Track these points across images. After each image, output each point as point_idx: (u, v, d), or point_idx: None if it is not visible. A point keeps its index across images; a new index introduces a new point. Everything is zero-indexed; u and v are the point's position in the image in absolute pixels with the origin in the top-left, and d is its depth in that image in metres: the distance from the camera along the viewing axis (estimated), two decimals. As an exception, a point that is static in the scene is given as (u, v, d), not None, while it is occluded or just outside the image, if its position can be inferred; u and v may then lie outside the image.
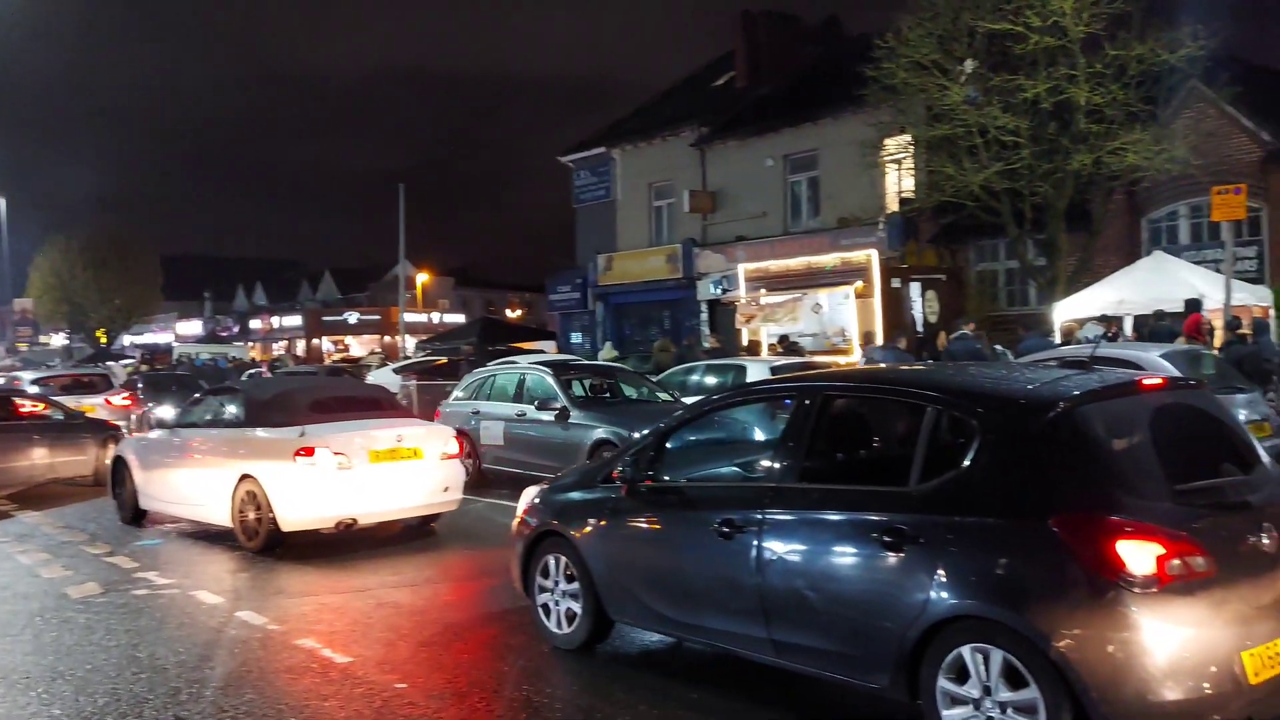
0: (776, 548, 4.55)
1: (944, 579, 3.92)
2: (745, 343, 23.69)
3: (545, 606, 5.87)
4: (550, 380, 12.07)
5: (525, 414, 12.08)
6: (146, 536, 10.00)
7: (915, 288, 21.25)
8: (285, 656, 5.88)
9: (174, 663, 5.80)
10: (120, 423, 16.91)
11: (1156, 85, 16.47)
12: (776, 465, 4.87)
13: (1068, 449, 3.92)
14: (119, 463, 10.95)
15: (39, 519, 11.33)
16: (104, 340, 56.19)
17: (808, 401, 4.86)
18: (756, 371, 13.36)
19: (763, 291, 24.37)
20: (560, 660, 5.65)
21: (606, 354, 26.52)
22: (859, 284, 21.90)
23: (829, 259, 22.78)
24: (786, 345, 19.54)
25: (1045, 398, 4.16)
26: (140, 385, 21.85)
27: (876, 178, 21.49)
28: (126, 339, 60.66)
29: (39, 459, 13.05)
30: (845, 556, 4.35)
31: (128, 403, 20.70)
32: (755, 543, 4.61)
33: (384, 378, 21.76)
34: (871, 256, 21.85)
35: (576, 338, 32.19)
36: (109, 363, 35.31)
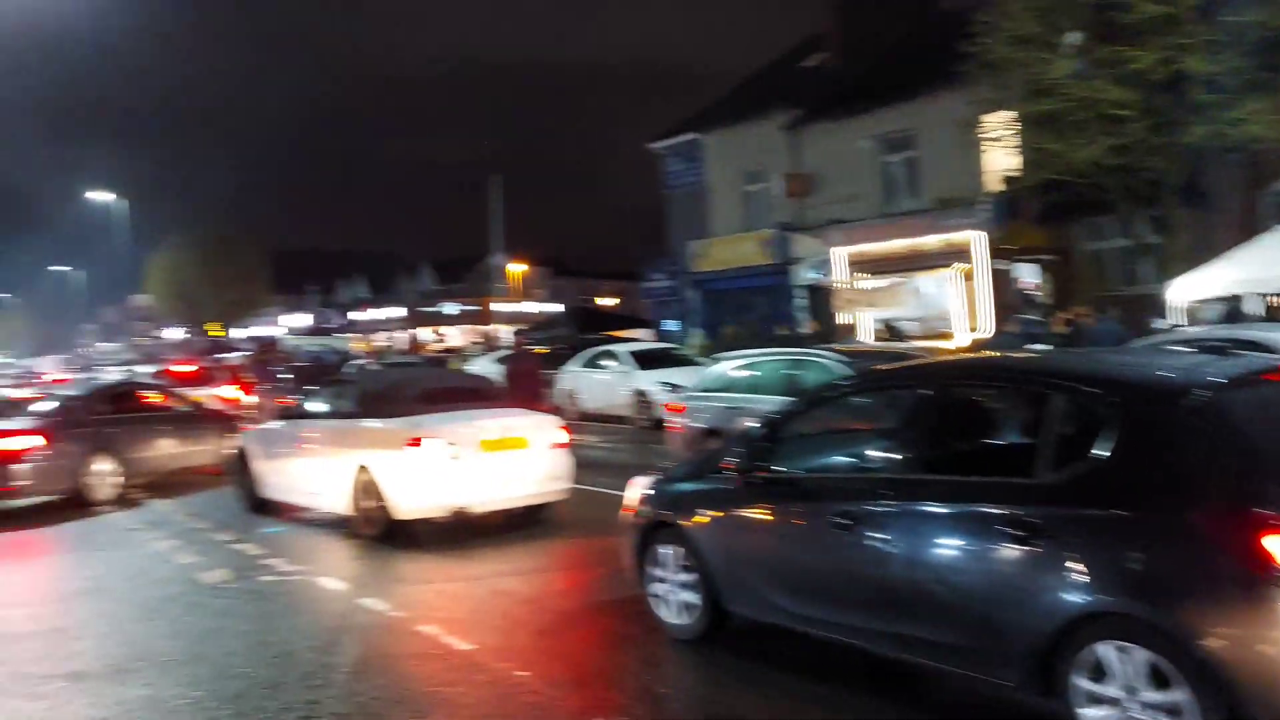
0: (897, 540, 4.49)
1: (1078, 574, 3.82)
2: (843, 327, 23.41)
3: (660, 597, 5.91)
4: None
5: None
6: (270, 524, 10.38)
7: (1023, 268, 20.68)
8: (409, 643, 6.05)
9: (304, 647, 6.02)
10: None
11: (1278, 52, 15.65)
12: (895, 456, 4.81)
13: (1211, 438, 3.77)
14: (241, 453, 11.41)
15: (169, 507, 11.88)
16: (220, 334, 58.43)
17: (927, 390, 4.78)
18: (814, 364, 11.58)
19: (862, 275, 24.02)
20: (677, 651, 5.69)
21: (696, 341, 26.56)
22: (963, 266, 21.42)
23: (930, 240, 22.32)
24: (890, 330, 19.23)
25: (1186, 384, 4.00)
26: (283, 376, 22.57)
27: (976, 157, 20.92)
28: (238, 332, 62.94)
29: (166, 449, 13.63)
30: (970, 550, 4.28)
31: (238, 394, 21.59)
32: (875, 535, 4.56)
33: (485, 367, 22.17)
34: (974, 237, 21.34)
35: (671, 325, 32.23)
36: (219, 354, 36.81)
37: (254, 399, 21.67)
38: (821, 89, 27.64)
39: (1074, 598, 3.83)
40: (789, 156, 27.22)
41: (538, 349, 26.38)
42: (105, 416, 12.97)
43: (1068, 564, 3.86)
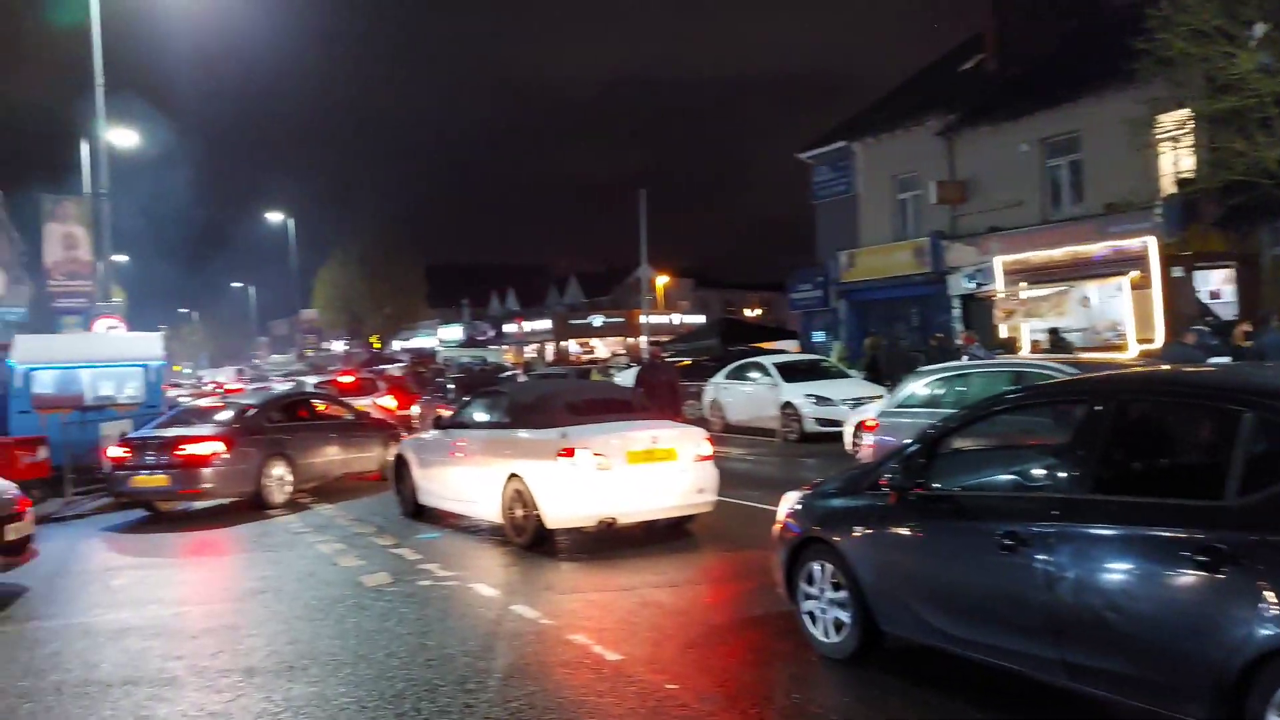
0: (1068, 564, 4.24)
1: (1274, 605, 3.51)
2: (1003, 339, 22.51)
3: (811, 614, 5.79)
4: None
5: None
6: (426, 530, 10.72)
7: (1203, 277, 19.40)
8: (560, 651, 6.12)
9: (459, 651, 6.17)
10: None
11: None
12: (1064, 474, 4.55)
13: None
14: (400, 461, 11.86)
15: (333, 512, 12.44)
16: (377, 346, 61.16)
17: (1100, 406, 4.51)
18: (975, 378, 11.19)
19: (1023, 284, 23.08)
20: (829, 669, 5.55)
21: (836, 353, 26.07)
22: (1134, 274, 20.27)
23: (1097, 247, 21.21)
24: (1055, 340, 18.36)
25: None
26: (450, 387, 23.60)
27: (1149, 158, 19.74)
28: (395, 344, 65.71)
29: (336, 455, 14.38)
30: (1149, 575, 3.99)
31: (394, 404, 22.68)
32: (1043, 557, 4.32)
33: (629, 379, 22.36)
34: (1148, 243, 20.17)
35: (819, 336, 31.77)
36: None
37: (415, 408, 22.65)
38: (979, 92, 26.76)
39: (1267, 630, 3.51)
40: (944, 162, 26.44)
41: (681, 361, 26.44)
42: (279, 424, 13.74)
43: (1261, 594, 3.55)
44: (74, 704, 5.61)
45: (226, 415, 13.56)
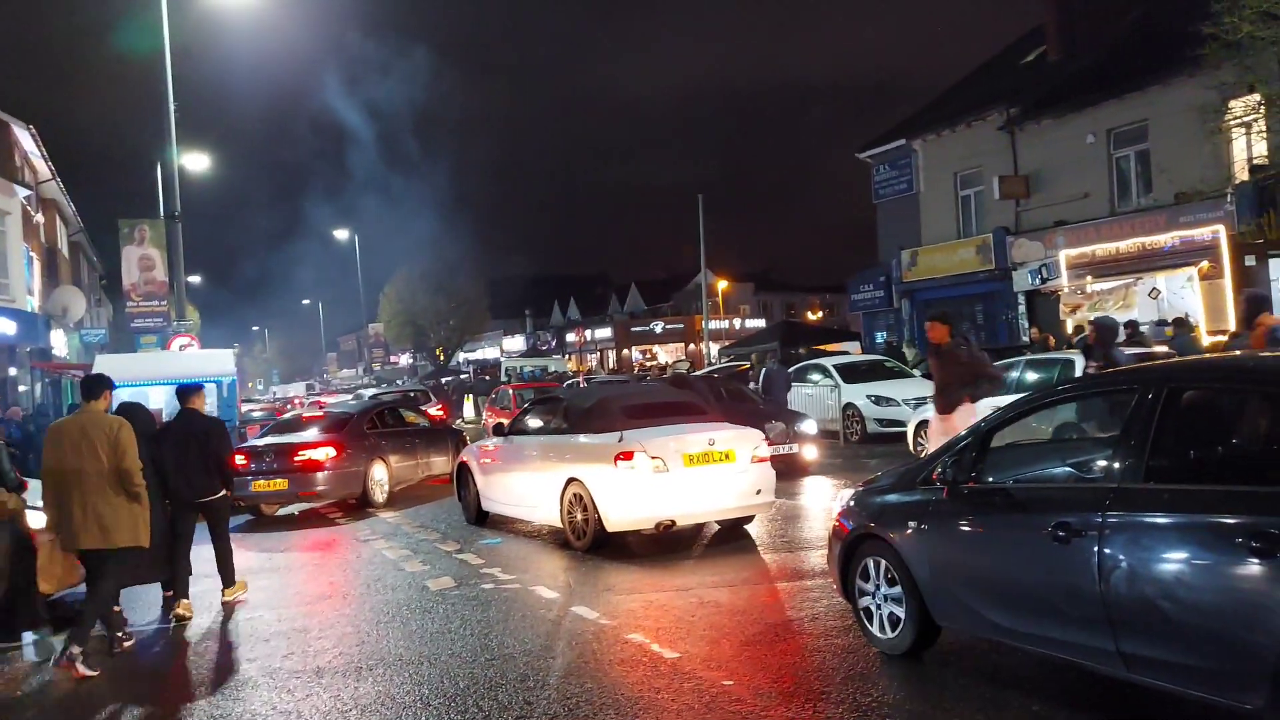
0: (1122, 553, 4.19)
1: (1334, 591, 3.44)
2: (1070, 333, 22.07)
3: (867, 610, 5.78)
4: None
5: None
6: (488, 536, 10.90)
7: (1278, 265, 18.82)
8: (618, 650, 6.19)
9: (520, 651, 6.28)
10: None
11: None
12: (1117, 465, 4.49)
13: None
14: (463, 468, 12.08)
15: (398, 518, 12.71)
16: (442, 358, 62.03)
17: (1151, 395, 4.45)
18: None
19: (1089, 278, 22.61)
20: (886, 664, 5.54)
21: (911, 357, 25.60)
22: (1204, 264, 19.73)
23: (1166, 238, 20.71)
24: (1132, 334, 17.93)
25: None
26: (493, 399, 25.22)
27: (1219, 145, 19.24)
28: (460, 355, 66.65)
29: (420, 459, 15.25)
30: (1205, 563, 3.93)
31: (442, 413, 24.18)
32: (1097, 548, 4.28)
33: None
34: (1219, 233, 19.63)
35: (881, 337, 31.48)
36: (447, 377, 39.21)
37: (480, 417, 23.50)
38: (1041, 85, 26.32)
39: (1329, 618, 3.44)
40: (1007, 157, 26.05)
41: (741, 365, 26.40)
42: (376, 430, 14.61)
43: (1321, 580, 3.48)
44: (151, 704, 5.85)
45: (328, 423, 14.48)
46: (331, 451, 13.23)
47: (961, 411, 8.55)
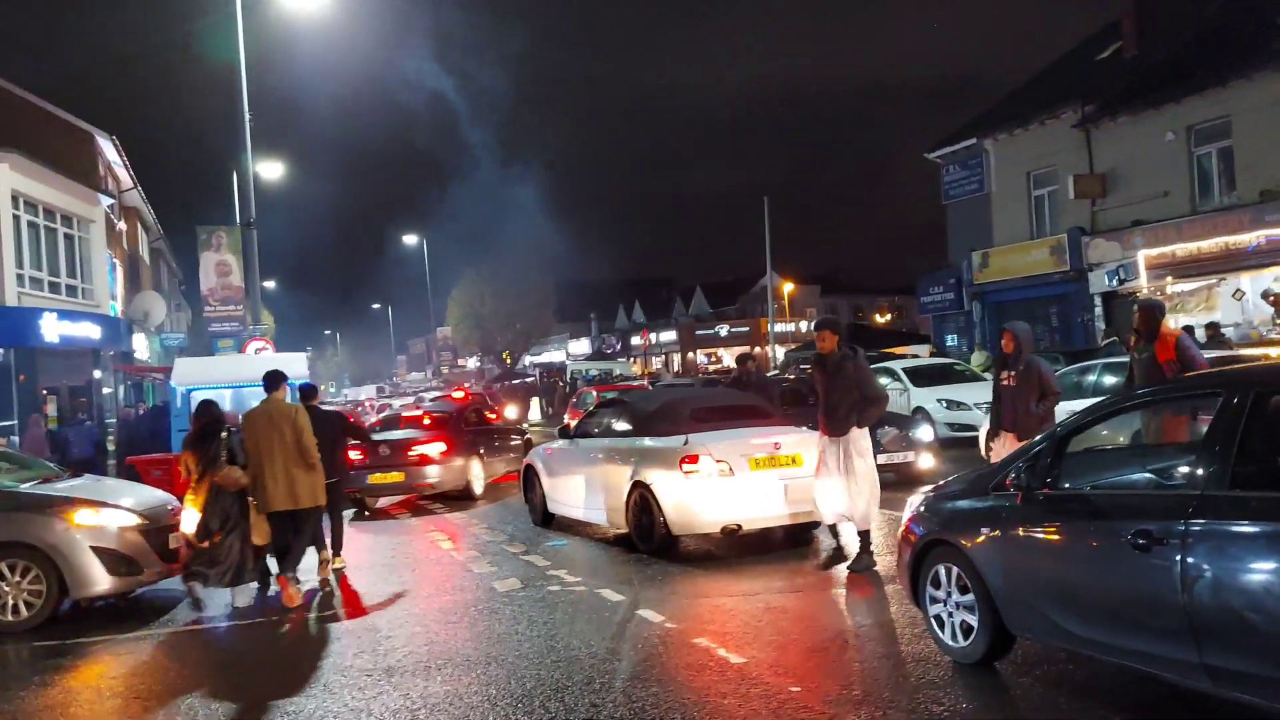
0: (1206, 562, 4.05)
1: None
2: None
3: (938, 618, 5.67)
4: None
5: None
6: (555, 538, 10.96)
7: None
8: (684, 654, 6.17)
9: (586, 654, 6.29)
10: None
11: None
12: (1199, 471, 4.34)
13: None
14: (529, 470, 12.17)
15: (464, 520, 12.86)
16: (509, 361, 62.61)
17: (1236, 399, 4.29)
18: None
19: (1169, 279, 21.97)
20: (958, 673, 5.43)
21: (978, 361, 25.04)
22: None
23: (1250, 237, 20.02)
24: (1213, 335, 17.40)
25: None
26: (575, 403, 26.10)
27: (1307, 140, 18.58)
28: (527, 359, 67.20)
29: (501, 455, 16.35)
30: (1297, 575, 3.78)
31: (493, 417, 24.81)
32: (1178, 557, 4.14)
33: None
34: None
35: (951, 340, 30.96)
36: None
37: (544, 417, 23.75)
38: (1117, 81, 25.63)
39: None
40: (1081, 155, 25.44)
41: (807, 368, 26.25)
42: (471, 427, 15.68)
43: None
44: (223, 701, 6.00)
45: (430, 420, 15.52)
46: (443, 446, 14.27)
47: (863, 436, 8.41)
